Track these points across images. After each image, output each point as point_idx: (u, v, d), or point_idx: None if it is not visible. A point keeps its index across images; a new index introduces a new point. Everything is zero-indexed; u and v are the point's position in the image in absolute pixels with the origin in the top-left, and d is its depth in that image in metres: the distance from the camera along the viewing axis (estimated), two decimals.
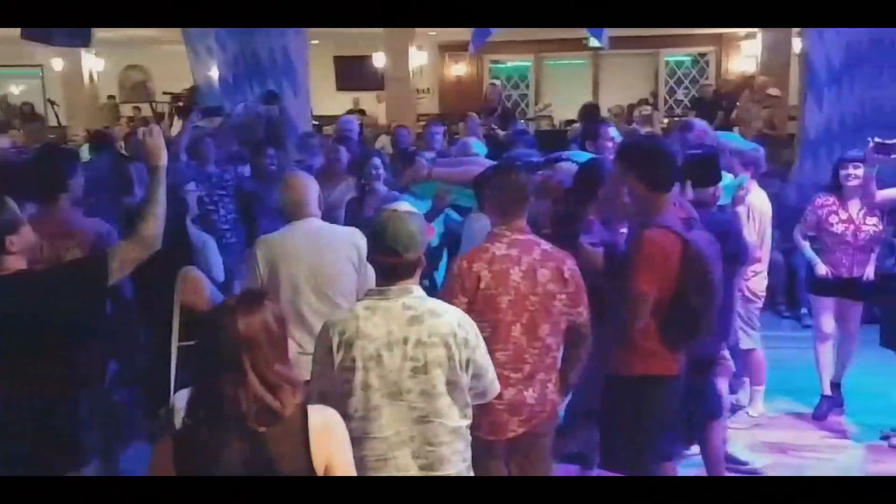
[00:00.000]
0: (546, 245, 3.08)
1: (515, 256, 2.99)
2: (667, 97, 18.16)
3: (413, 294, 2.53)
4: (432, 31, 15.06)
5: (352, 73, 16.19)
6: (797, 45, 9.90)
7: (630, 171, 3.20)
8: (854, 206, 4.90)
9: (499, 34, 12.67)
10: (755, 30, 13.32)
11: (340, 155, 5.71)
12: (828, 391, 5.08)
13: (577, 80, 17.88)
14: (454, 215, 4.83)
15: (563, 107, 13.81)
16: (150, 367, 3.69)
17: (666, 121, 14.04)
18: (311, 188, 3.56)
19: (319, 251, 3.43)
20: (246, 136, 6.66)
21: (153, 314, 3.65)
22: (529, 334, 2.99)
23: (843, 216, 4.92)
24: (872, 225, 4.89)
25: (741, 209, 4.61)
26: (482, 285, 2.94)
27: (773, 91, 10.41)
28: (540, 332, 3.00)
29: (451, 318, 2.51)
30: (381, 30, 12.90)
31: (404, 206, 2.82)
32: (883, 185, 4.78)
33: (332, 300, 3.38)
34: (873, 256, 4.96)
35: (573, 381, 3.23)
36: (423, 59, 15.44)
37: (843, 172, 4.85)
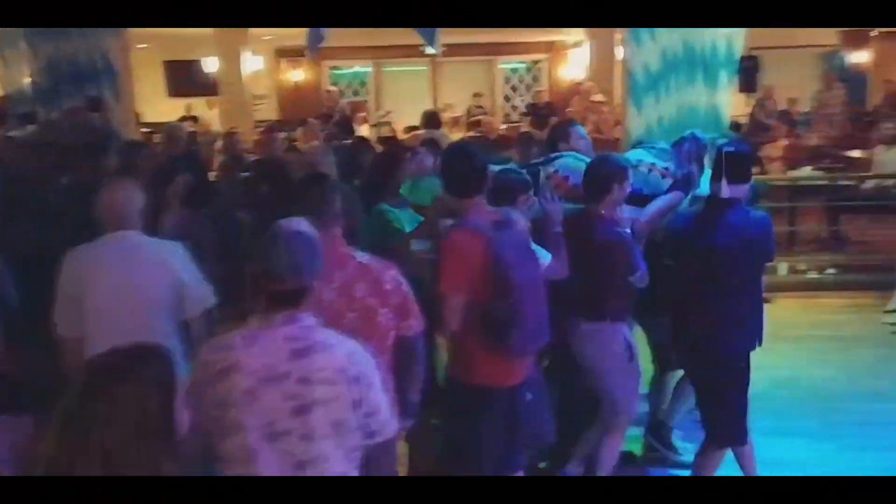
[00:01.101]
0: (364, 257, 2.89)
1: (325, 274, 2.70)
2: (503, 103, 18.67)
3: (299, 324, 2.28)
4: (267, 35, 14.73)
5: (183, 78, 15.58)
6: (620, 52, 10.41)
7: (441, 178, 3.35)
8: None
9: (338, 40, 12.63)
10: (583, 38, 13.88)
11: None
12: None
13: (417, 86, 18.05)
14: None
15: (405, 113, 13.89)
16: None
17: (504, 126, 14.47)
18: (128, 199, 3.31)
19: (131, 265, 3.21)
20: (63, 143, 6.24)
21: None
22: None
23: None
24: None
25: None
26: None
27: (598, 97, 10.89)
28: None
29: (341, 352, 2.26)
30: (211, 33, 12.47)
31: (296, 225, 2.46)
32: None
33: (145, 318, 3.14)
34: None
35: (414, 398, 3.05)
36: (258, 63, 15.07)
37: None
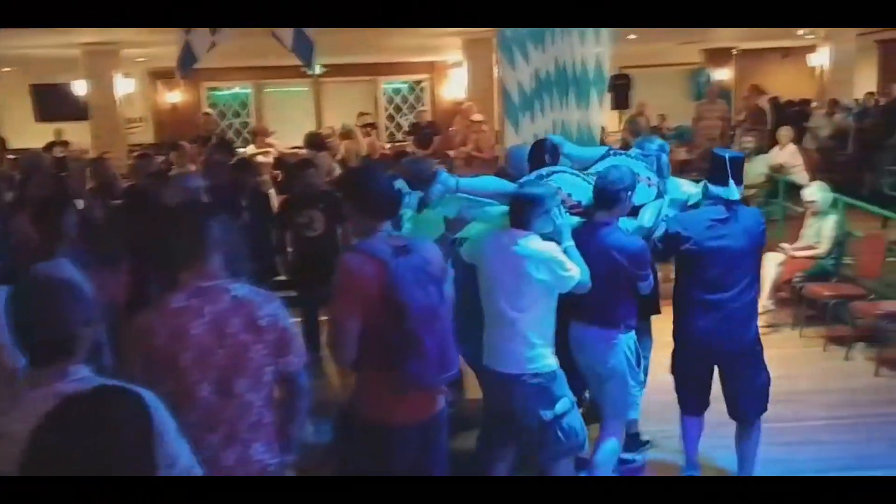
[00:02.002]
0: (240, 290, 2.70)
1: (196, 308, 2.61)
2: (387, 123, 18.75)
3: (70, 378, 2.07)
4: (140, 58, 14.31)
5: (51, 103, 14.98)
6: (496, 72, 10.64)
7: (346, 200, 3.21)
8: None
9: (216, 61, 12.35)
10: (462, 58, 14.11)
11: None
12: None
13: (300, 106, 17.92)
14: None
15: (288, 134, 13.72)
16: None
17: (388, 146, 14.51)
18: None
19: None
20: None
21: None
22: (222, 393, 2.62)
23: None
24: None
25: None
26: (155, 346, 2.54)
27: (477, 117, 11.07)
28: (235, 388, 2.64)
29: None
30: (79, 55, 12.02)
31: (54, 268, 2.28)
32: None
33: None
34: None
35: (295, 433, 2.88)
36: (130, 86, 14.61)
37: None
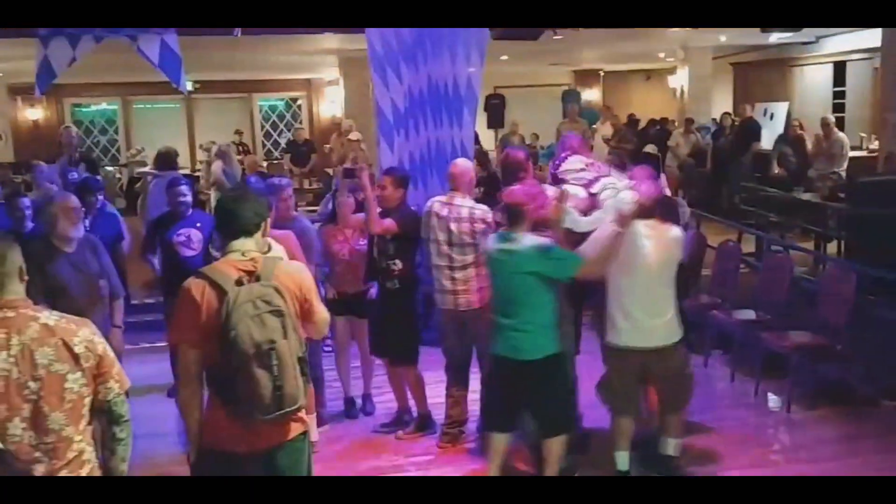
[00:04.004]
0: (50, 317, 2.54)
1: (1, 340, 2.45)
2: (264, 140, 18.49)
3: None
4: None
5: None
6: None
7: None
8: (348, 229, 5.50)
9: (81, 76, 11.86)
10: (338, 76, 14.10)
11: None
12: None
13: (171, 122, 17.44)
14: None
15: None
16: None
17: (265, 163, 14.29)
18: None
19: None
20: None
21: None
22: (36, 428, 2.46)
23: (340, 238, 5.49)
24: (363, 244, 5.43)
25: None
26: None
27: (354, 135, 11.09)
28: (52, 423, 2.48)
29: None
30: None
31: None
32: None
33: None
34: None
35: (120, 468, 2.66)
36: None
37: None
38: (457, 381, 5.10)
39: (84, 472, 2.53)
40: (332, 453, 5.02)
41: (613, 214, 4.26)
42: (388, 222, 5.00)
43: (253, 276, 2.89)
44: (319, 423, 5.11)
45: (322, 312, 3.13)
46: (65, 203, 4.47)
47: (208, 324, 2.81)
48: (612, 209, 4.35)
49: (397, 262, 5.05)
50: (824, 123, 11.38)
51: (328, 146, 12.49)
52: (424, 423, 5.29)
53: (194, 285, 2.90)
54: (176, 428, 5.21)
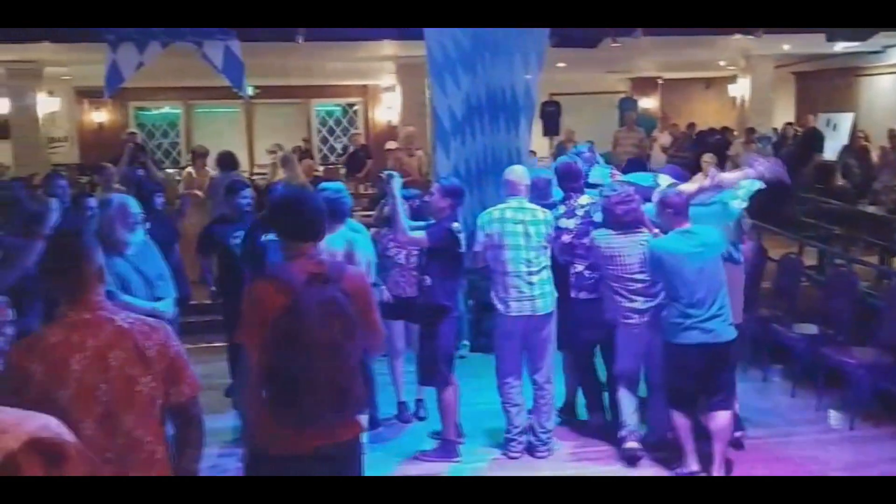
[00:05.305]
0: (125, 320, 2.55)
1: (76, 342, 2.46)
2: (320, 145, 18.70)
3: None
4: (66, 76, 14.00)
5: None
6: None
7: (272, 222, 3.18)
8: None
9: (145, 80, 12.14)
10: (394, 82, 14.19)
11: None
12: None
13: (231, 127, 17.73)
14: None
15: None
16: None
17: (321, 168, 14.44)
18: None
19: None
20: None
21: None
22: (107, 430, 2.47)
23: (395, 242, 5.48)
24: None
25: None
26: (34, 383, 2.39)
27: (390, 144, 11.13)
28: (123, 425, 2.49)
29: None
30: (3, 72, 11.70)
31: None
32: None
33: None
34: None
35: (190, 466, 2.71)
36: (55, 104, 14.27)
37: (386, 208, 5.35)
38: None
39: (153, 474, 2.54)
40: (383, 456, 5.05)
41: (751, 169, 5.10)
42: (420, 235, 4.94)
43: (320, 278, 2.91)
44: (372, 426, 5.14)
45: (380, 327, 3.15)
46: (122, 207, 4.53)
47: (275, 325, 2.82)
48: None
49: (426, 278, 5.00)
50: (891, 135, 11.08)
51: (388, 149, 12.51)
52: (446, 450, 5.06)
53: (262, 286, 2.93)
54: (233, 427, 5.30)
